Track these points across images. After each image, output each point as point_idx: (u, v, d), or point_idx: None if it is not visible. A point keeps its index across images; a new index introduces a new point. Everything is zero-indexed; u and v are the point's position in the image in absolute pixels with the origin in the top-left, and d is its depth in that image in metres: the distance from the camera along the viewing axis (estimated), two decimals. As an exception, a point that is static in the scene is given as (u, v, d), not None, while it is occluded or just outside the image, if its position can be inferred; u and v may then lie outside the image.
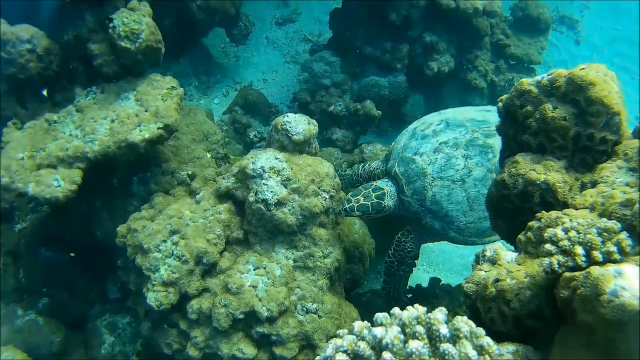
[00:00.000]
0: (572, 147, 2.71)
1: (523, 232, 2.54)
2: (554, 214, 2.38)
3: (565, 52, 10.38)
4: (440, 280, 5.86)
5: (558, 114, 2.66)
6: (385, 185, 5.03)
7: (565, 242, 1.88)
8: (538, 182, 2.66)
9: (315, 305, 4.32)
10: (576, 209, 2.45)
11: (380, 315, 1.78)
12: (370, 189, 4.95)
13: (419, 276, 6.99)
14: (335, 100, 7.08)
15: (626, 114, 2.70)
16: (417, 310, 1.70)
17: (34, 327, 5.20)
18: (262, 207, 4.34)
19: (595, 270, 1.63)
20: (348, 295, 5.23)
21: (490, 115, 5.25)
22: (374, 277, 7.04)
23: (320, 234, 4.52)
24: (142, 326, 4.86)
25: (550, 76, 2.71)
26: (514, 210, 2.88)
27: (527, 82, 2.81)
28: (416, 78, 7.43)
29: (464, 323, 1.60)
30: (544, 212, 2.46)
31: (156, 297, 4.21)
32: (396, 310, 1.78)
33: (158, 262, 4.29)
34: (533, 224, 2.48)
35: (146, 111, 4.84)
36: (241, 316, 4.13)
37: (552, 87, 2.69)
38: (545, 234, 2.01)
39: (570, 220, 1.99)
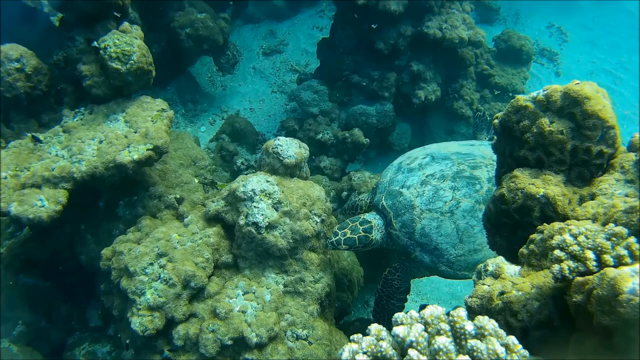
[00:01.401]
0: (570, 161, 2.71)
1: (525, 245, 2.51)
2: (556, 224, 2.36)
3: (546, 83, 10.61)
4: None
5: (555, 128, 2.67)
6: (373, 218, 4.93)
7: (575, 247, 1.85)
8: (537, 196, 2.65)
9: (305, 332, 4.22)
10: (578, 220, 2.43)
11: (399, 315, 1.72)
12: (358, 222, 4.85)
13: (407, 306, 6.91)
14: (323, 128, 7.09)
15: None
16: (436, 309, 1.65)
17: (7, 355, 4.99)
18: (253, 230, 4.27)
19: (610, 271, 1.60)
20: (337, 322, 5.13)
21: (474, 148, 5.24)
22: (361, 306, 6.95)
23: (311, 258, 4.46)
24: (125, 354, 4.69)
25: (546, 91, 2.73)
26: (513, 226, 2.85)
27: (523, 98, 2.82)
28: (403, 107, 7.50)
29: (487, 321, 1.55)
30: (545, 224, 2.44)
31: (141, 322, 4.08)
32: (413, 312, 1.73)
33: (144, 285, 4.17)
34: (535, 236, 2.45)
35: (135, 132, 4.78)
36: (229, 342, 4.02)
37: (548, 101, 2.70)
38: (553, 241, 1.99)
39: (577, 227, 1.97)
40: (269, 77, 9.22)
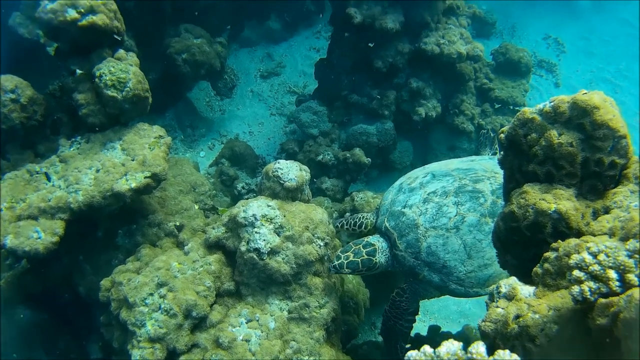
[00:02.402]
0: (581, 174, 2.61)
1: (539, 264, 2.40)
2: (572, 241, 2.25)
3: (546, 94, 10.59)
4: (440, 328, 5.64)
5: (564, 140, 2.57)
6: (377, 241, 4.79)
7: (596, 267, 1.73)
8: (549, 211, 2.54)
9: (312, 359, 4.08)
10: (594, 235, 2.32)
11: (412, 354, 1.60)
12: (361, 245, 4.71)
13: (415, 326, 6.77)
14: (324, 149, 7.01)
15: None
16: (452, 345, 1.53)
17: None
18: (255, 257, 4.17)
19: (638, 292, 1.49)
20: (344, 347, 4.99)
21: (474, 163, 5.15)
22: (368, 328, 6.82)
23: (315, 283, 4.35)
24: (127, 388, 4.54)
25: (552, 103, 2.64)
26: (524, 243, 2.74)
27: (529, 111, 2.73)
28: (403, 124, 7.43)
29: (509, 356, 1.43)
30: (560, 241, 2.34)
31: (142, 354, 3.95)
32: (426, 347, 1.61)
33: (144, 316, 4.04)
34: (549, 254, 2.34)
35: (133, 160, 4.70)
36: (234, 372, 3.88)
37: (555, 113, 2.61)
38: (571, 260, 1.87)
39: (596, 244, 1.85)
40: (268, 100, 9.18)
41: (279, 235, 4.24)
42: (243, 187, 7.08)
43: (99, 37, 4.84)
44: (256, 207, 4.35)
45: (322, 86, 7.64)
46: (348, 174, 6.93)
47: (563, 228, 2.54)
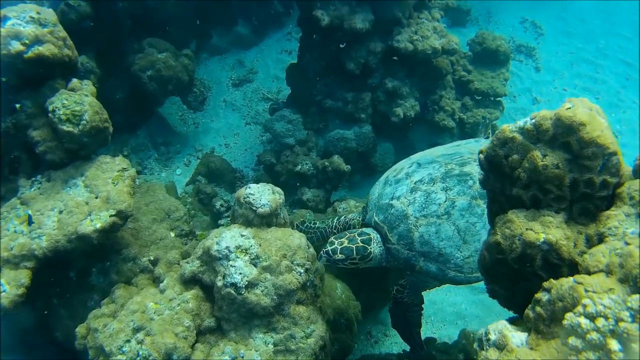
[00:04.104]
0: (570, 197, 2.38)
1: (530, 306, 2.18)
2: (565, 283, 2.03)
3: (527, 79, 10.38)
4: (436, 340, 5.46)
5: (550, 162, 2.34)
6: (372, 232, 4.67)
7: (595, 336, 1.51)
8: (538, 242, 2.32)
9: (303, 392, 3.86)
10: (589, 272, 2.10)
11: None
12: (356, 233, 4.62)
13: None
14: (302, 159, 6.75)
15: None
16: None
17: None
18: (232, 292, 3.93)
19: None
20: (340, 365, 4.81)
21: (459, 148, 5.09)
22: (363, 338, 6.63)
23: (299, 312, 4.11)
24: None
25: (534, 120, 2.40)
26: (513, 276, 2.52)
27: (508, 129, 2.49)
28: (382, 125, 7.19)
29: None
30: (552, 280, 2.12)
31: (123, 406, 3.71)
32: None
33: (122, 366, 3.79)
34: (541, 296, 2.13)
35: (96, 198, 4.45)
36: (221, 417, 3.65)
37: (538, 131, 2.37)
38: (566, 321, 1.65)
39: (592, 301, 1.63)
40: (241, 109, 8.89)
41: (255, 267, 4.00)
42: (222, 205, 6.82)
43: (49, 68, 4.56)
44: (229, 238, 4.10)
45: (295, 92, 7.38)
46: (328, 182, 6.69)
47: (554, 259, 2.32)
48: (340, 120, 7.05)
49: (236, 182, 7.41)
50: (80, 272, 4.89)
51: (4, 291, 4.08)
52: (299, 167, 6.68)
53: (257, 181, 7.23)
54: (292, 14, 10.21)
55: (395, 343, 6.49)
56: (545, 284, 2.14)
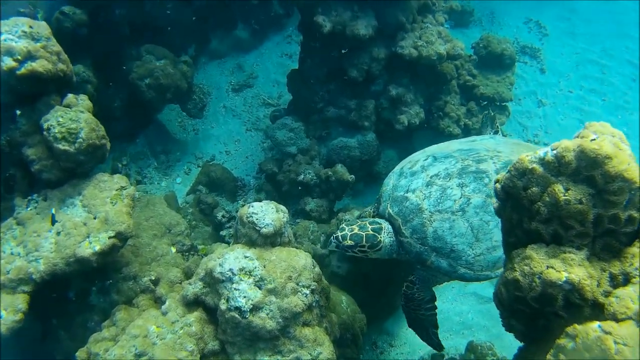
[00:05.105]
0: (594, 233, 2.25)
1: (552, 352, 2.06)
2: (591, 331, 1.92)
3: (532, 82, 10.20)
4: (444, 356, 5.36)
5: (572, 197, 2.21)
6: (383, 222, 4.68)
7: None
8: (559, 282, 2.19)
9: (311, 417, 3.76)
10: (616, 319, 1.98)
11: None
12: (367, 221, 4.66)
13: (418, 343, 6.51)
14: (304, 168, 6.61)
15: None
16: None
17: None
18: (237, 315, 3.81)
19: None
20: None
21: (476, 144, 5.06)
22: (369, 348, 6.54)
23: (305, 334, 4.01)
24: None
25: (555, 151, 2.27)
26: (531, 314, 2.39)
27: (527, 160, 2.36)
28: (386, 132, 7.04)
29: None
30: (577, 327, 2.00)
31: None
32: None
33: (123, 394, 3.69)
34: (565, 343, 2.01)
35: (95, 218, 4.32)
36: None
37: (559, 163, 2.24)
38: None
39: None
40: (242, 115, 8.73)
41: (260, 289, 3.89)
42: (223, 216, 6.69)
43: (43, 84, 4.43)
44: (233, 259, 3.98)
45: (296, 99, 7.22)
46: (332, 192, 6.55)
47: (577, 300, 2.19)
48: (343, 127, 6.90)
49: (237, 192, 7.28)
50: (80, 291, 4.80)
51: (1, 317, 3.97)
52: (302, 176, 6.54)
53: (258, 190, 7.15)
54: (292, 15, 10.03)
55: (401, 353, 6.39)
56: (569, 330, 2.01)
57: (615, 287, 2.19)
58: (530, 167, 2.35)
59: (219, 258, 4.04)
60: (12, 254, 4.31)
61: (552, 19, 11.72)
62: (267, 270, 3.95)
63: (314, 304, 4.12)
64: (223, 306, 3.87)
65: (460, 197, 4.40)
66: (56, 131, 4.28)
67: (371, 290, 5.77)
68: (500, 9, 11.56)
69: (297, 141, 6.84)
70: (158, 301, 4.61)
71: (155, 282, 4.72)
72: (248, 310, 3.80)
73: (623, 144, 2.25)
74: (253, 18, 9.65)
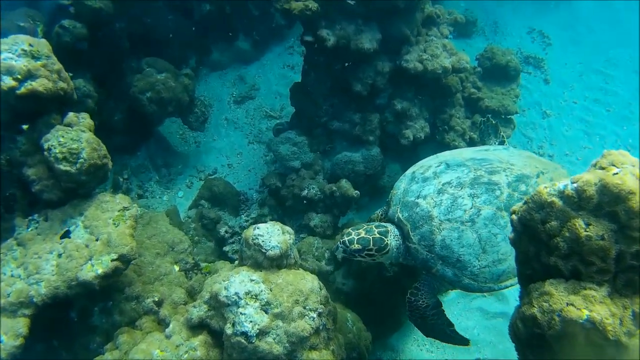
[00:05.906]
0: (615, 269, 2.18)
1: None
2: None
3: (536, 92, 10.12)
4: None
5: (594, 232, 2.14)
6: (390, 226, 4.67)
7: None
8: (580, 321, 2.11)
9: None
10: (643, 361, 1.90)
11: None
12: (373, 225, 4.66)
13: (421, 355, 6.45)
14: (308, 183, 6.53)
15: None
16: None
17: None
18: (243, 341, 3.73)
19: None
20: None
21: (489, 154, 5.04)
22: (373, 363, 6.40)
23: (312, 358, 3.91)
24: None
25: (575, 185, 2.19)
26: (549, 349, 2.31)
27: (546, 192, 2.29)
28: (390, 146, 6.96)
29: None
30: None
31: None
32: None
33: (126, 423, 3.60)
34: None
35: (97, 240, 4.24)
36: None
37: (580, 198, 2.17)
38: None
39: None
40: (244, 127, 8.65)
41: (266, 313, 3.80)
42: (226, 232, 6.61)
43: (43, 103, 4.36)
44: (238, 283, 3.90)
45: (299, 113, 7.14)
46: (336, 207, 6.45)
47: (599, 339, 2.11)
48: (347, 142, 6.82)
49: (240, 206, 7.19)
50: (82, 312, 4.71)
51: (1, 342, 3.89)
52: (306, 191, 6.46)
53: (262, 205, 7.06)
54: (294, 26, 9.97)
55: (406, 369, 6.32)
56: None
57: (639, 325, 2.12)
58: (549, 200, 2.28)
59: (224, 281, 3.96)
60: (12, 275, 4.23)
61: (555, 27, 11.66)
62: (273, 294, 3.87)
63: (321, 327, 4.04)
64: (229, 331, 3.79)
65: (471, 208, 4.38)
66: (57, 151, 4.21)
67: (376, 305, 5.70)
68: (504, 18, 11.51)
69: (300, 155, 6.76)
70: (162, 323, 4.52)
71: (159, 304, 4.63)
72: (254, 335, 3.72)
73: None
74: (254, 29, 9.58)
